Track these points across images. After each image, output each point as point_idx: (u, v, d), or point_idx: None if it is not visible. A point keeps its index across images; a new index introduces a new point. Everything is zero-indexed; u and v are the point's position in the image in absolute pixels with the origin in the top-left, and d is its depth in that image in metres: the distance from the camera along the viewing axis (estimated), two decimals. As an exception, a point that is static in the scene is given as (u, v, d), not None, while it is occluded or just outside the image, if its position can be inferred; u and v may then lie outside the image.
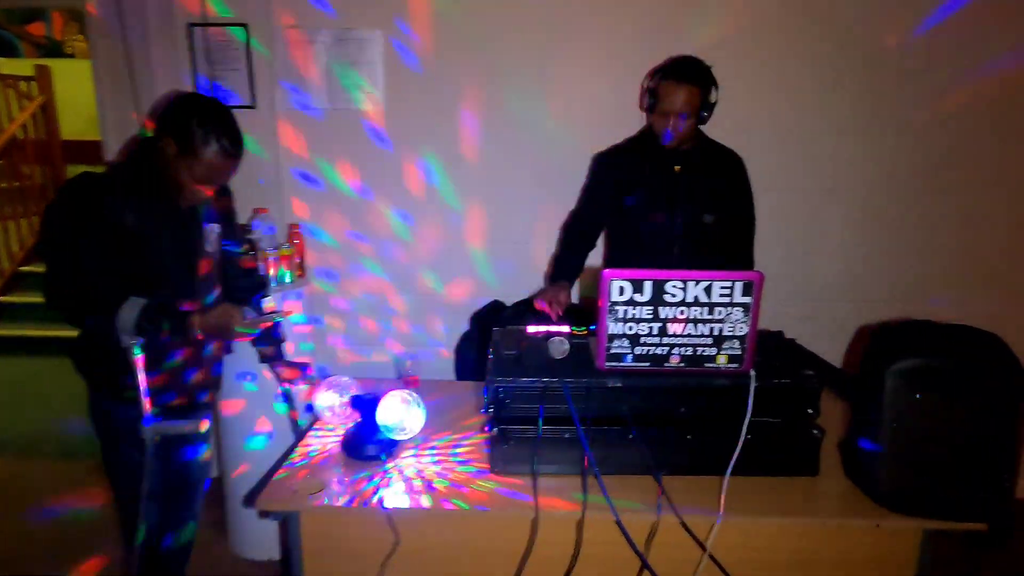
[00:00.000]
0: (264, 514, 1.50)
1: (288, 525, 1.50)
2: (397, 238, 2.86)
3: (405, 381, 2.11)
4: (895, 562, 1.47)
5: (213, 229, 1.72)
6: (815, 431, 1.48)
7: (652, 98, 2.14)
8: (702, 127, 2.21)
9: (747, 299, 1.33)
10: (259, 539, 2.50)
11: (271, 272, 2.44)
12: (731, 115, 2.70)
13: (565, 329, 1.64)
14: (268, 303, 2.18)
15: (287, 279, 2.48)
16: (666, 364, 1.38)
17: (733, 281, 1.32)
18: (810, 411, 1.46)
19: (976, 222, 2.77)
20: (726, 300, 1.33)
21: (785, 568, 1.50)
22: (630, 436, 1.45)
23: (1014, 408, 1.32)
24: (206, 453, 1.84)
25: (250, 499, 2.17)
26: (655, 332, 1.36)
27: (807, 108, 2.70)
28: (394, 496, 1.46)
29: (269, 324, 1.81)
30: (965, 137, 2.70)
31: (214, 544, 2.61)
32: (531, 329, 1.67)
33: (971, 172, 2.73)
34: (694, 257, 2.09)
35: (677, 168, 2.19)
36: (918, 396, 1.30)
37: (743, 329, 1.35)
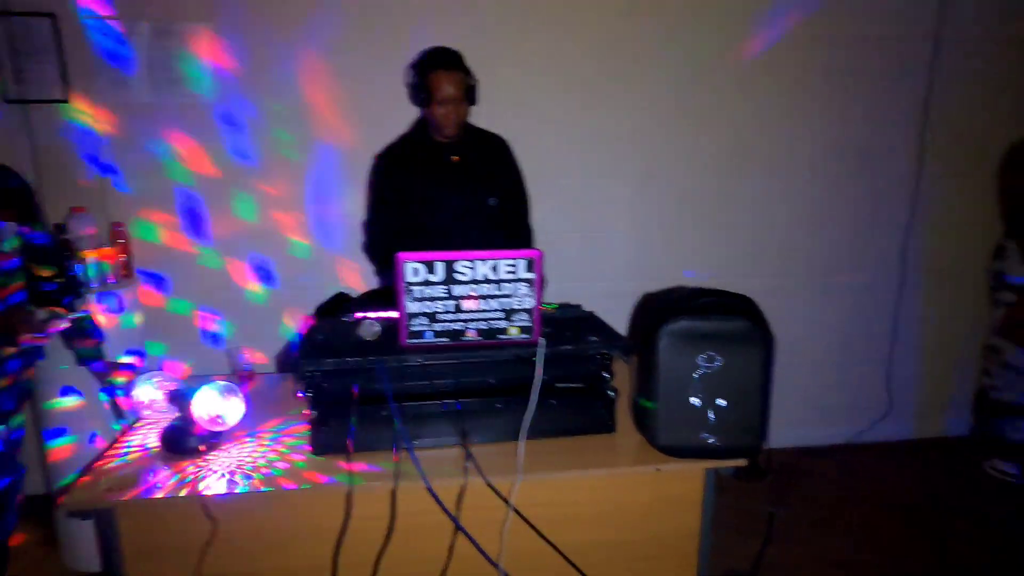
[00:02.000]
0: (73, 514, 1.47)
1: (103, 524, 1.48)
2: (234, 233, 2.81)
3: (240, 376, 2.11)
4: (688, 500, 1.66)
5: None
6: (609, 392, 1.65)
7: (424, 91, 2.21)
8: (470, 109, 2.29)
9: (531, 275, 1.47)
10: (92, 549, 2.40)
11: (90, 271, 2.34)
12: (559, 107, 2.88)
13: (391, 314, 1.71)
14: (83, 303, 2.09)
15: (107, 278, 2.39)
16: (464, 338, 1.49)
17: (517, 259, 1.45)
18: (604, 375, 1.63)
19: (763, 205, 3.11)
20: (512, 276, 1.46)
21: (592, 518, 1.66)
22: (443, 409, 1.56)
23: (765, 361, 1.54)
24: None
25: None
26: (451, 309, 1.47)
27: (617, 101, 2.92)
28: (211, 484, 1.48)
29: (62, 325, 1.76)
30: (757, 130, 3.02)
31: (45, 560, 2.48)
32: (351, 317, 1.73)
33: (760, 161, 3.06)
34: (482, 240, 2.21)
35: (455, 158, 2.31)
36: (683, 354, 1.49)
37: (530, 302, 1.48)
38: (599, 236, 3.03)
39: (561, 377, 1.59)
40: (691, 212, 3.07)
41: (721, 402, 1.53)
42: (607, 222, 3.03)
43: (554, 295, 1.97)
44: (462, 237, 2.23)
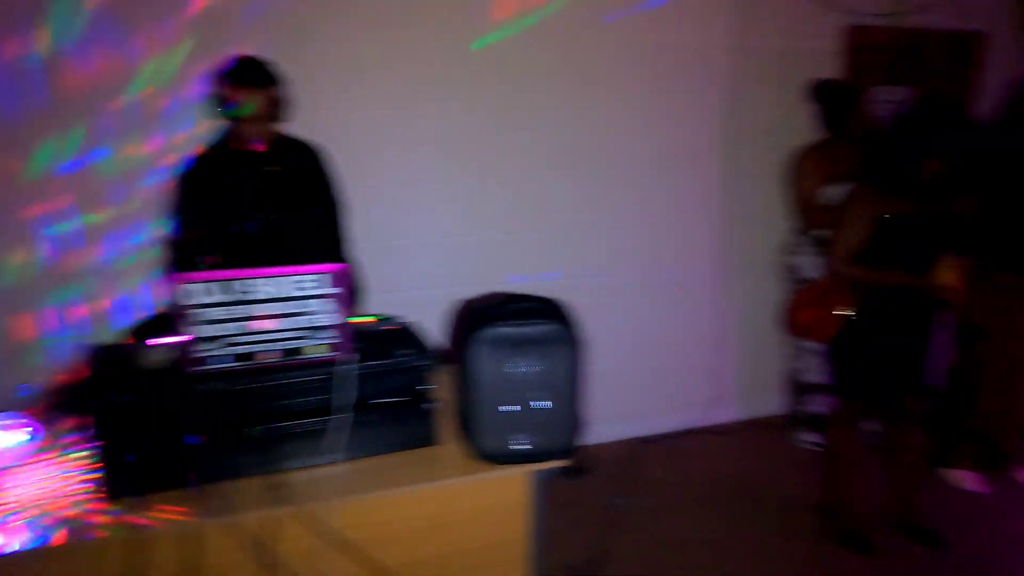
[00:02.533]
0: None
1: None
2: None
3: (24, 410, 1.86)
4: (514, 505, 1.66)
5: None
6: (426, 405, 1.62)
7: (222, 103, 2.11)
8: (280, 123, 2.23)
9: (337, 289, 1.41)
10: None
11: None
12: (376, 113, 2.81)
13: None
14: None
15: None
16: (261, 360, 1.41)
17: (321, 273, 1.38)
18: (419, 387, 1.60)
19: (587, 207, 3.24)
20: (316, 292, 1.39)
21: (426, 532, 1.62)
22: (249, 436, 1.45)
23: (575, 363, 1.58)
24: None
25: None
26: (243, 330, 1.37)
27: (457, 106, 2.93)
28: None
29: None
30: (576, 135, 3.13)
31: None
32: (144, 342, 1.58)
33: (582, 165, 3.18)
34: (296, 253, 2.13)
35: (266, 168, 2.22)
36: (495, 360, 1.49)
37: (337, 318, 1.43)
38: (422, 243, 3.00)
39: (376, 393, 1.54)
40: (517, 216, 3.12)
41: (536, 405, 1.55)
42: (429, 229, 3.01)
43: (378, 305, 1.92)
44: (276, 250, 2.12)
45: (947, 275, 2.27)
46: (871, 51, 3.45)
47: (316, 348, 1.43)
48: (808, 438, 3.38)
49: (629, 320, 3.38)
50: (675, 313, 3.48)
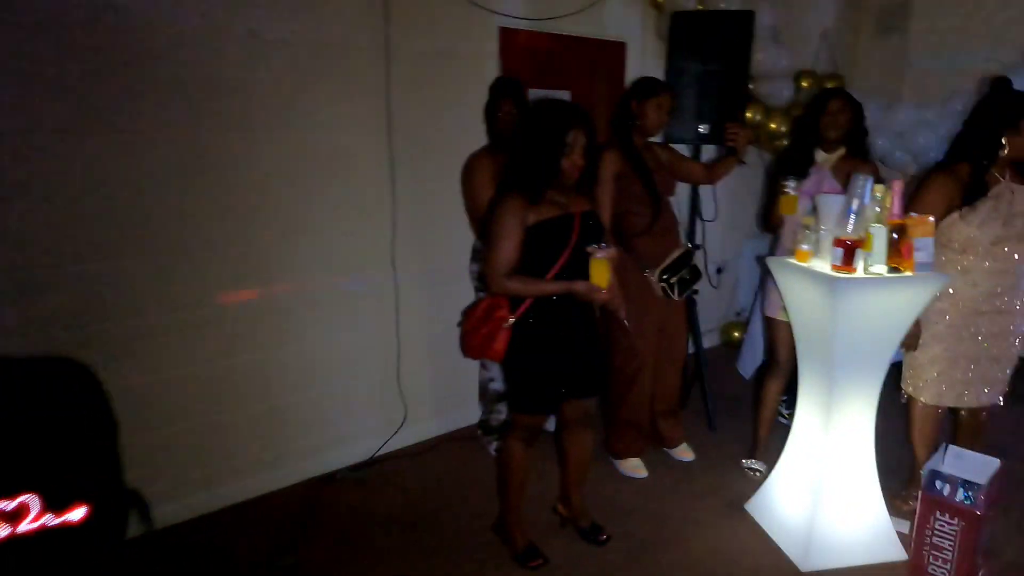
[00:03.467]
0: None
1: None
2: None
3: None
4: None
5: None
6: None
7: None
8: None
9: None
10: None
11: None
12: None
13: None
14: None
15: None
16: None
17: None
18: None
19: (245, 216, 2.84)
20: None
21: None
22: None
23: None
24: None
25: None
26: None
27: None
28: None
29: None
30: (213, 143, 2.71)
31: None
32: None
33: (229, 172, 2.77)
34: None
35: None
36: None
37: None
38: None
39: None
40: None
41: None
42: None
43: None
44: None
45: (597, 275, 2.24)
46: (523, 54, 3.49)
47: None
48: (492, 445, 3.31)
49: (293, 343, 3.01)
50: (350, 329, 3.18)
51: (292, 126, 2.84)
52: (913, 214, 2.29)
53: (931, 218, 2.26)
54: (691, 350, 3.67)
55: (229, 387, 2.86)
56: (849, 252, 2.28)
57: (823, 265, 2.37)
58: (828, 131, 2.84)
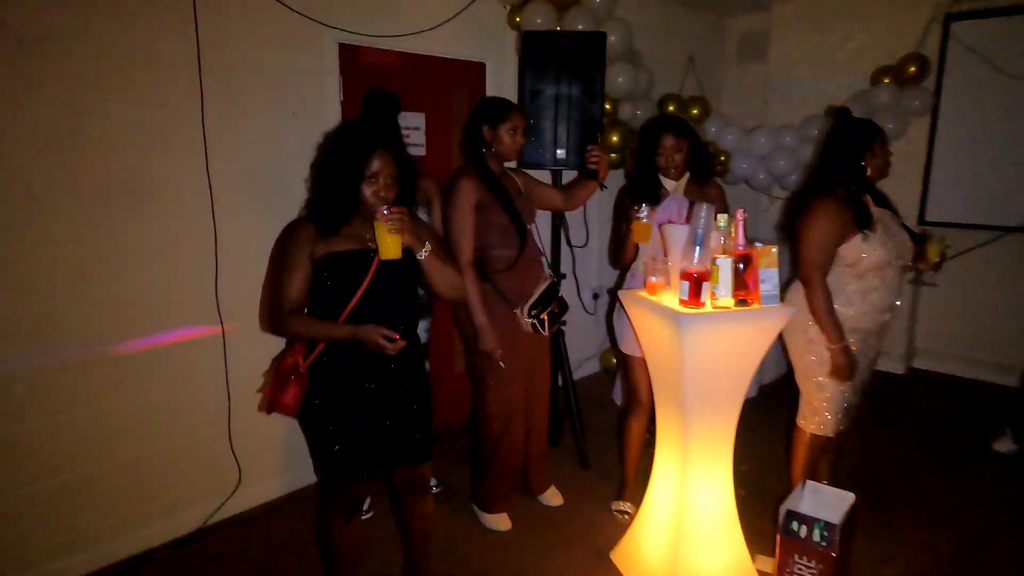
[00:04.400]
0: None
1: None
2: None
3: None
4: None
5: None
6: None
7: None
8: None
9: None
10: None
11: None
12: None
13: None
14: None
15: None
16: None
17: None
18: None
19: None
20: None
21: None
22: None
23: None
24: None
25: None
26: None
27: None
28: None
29: None
30: None
31: None
32: None
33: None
34: None
35: None
36: None
37: None
38: None
39: None
40: None
41: None
42: None
43: None
44: None
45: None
46: (369, 73, 3.23)
47: None
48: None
49: (93, 405, 2.57)
50: (170, 385, 2.77)
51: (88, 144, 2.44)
52: (759, 244, 2.20)
53: (774, 249, 2.17)
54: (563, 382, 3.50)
55: (12, 461, 2.40)
56: (696, 285, 2.15)
57: (673, 299, 2.24)
58: (668, 170, 2.74)
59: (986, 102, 4.47)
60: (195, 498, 2.88)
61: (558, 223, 3.51)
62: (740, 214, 2.17)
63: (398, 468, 2.19)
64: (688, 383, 2.20)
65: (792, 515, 2.27)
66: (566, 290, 3.86)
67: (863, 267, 2.42)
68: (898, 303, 2.56)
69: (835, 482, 2.77)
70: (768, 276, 2.17)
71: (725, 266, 2.15)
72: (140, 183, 2.59)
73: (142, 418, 2.70)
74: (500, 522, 2.91)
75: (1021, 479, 3.37)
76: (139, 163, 2.58)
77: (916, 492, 3.22)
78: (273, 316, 2.01)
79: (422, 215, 2.51)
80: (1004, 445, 3.61)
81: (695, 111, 4.66)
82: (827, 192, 2.45)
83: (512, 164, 2.95)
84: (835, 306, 2.43)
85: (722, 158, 4.73)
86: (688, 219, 2.47)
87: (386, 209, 1.90)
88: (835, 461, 2.82)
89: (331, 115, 3.08)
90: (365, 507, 2.93)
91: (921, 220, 4.71)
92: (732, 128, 4.74)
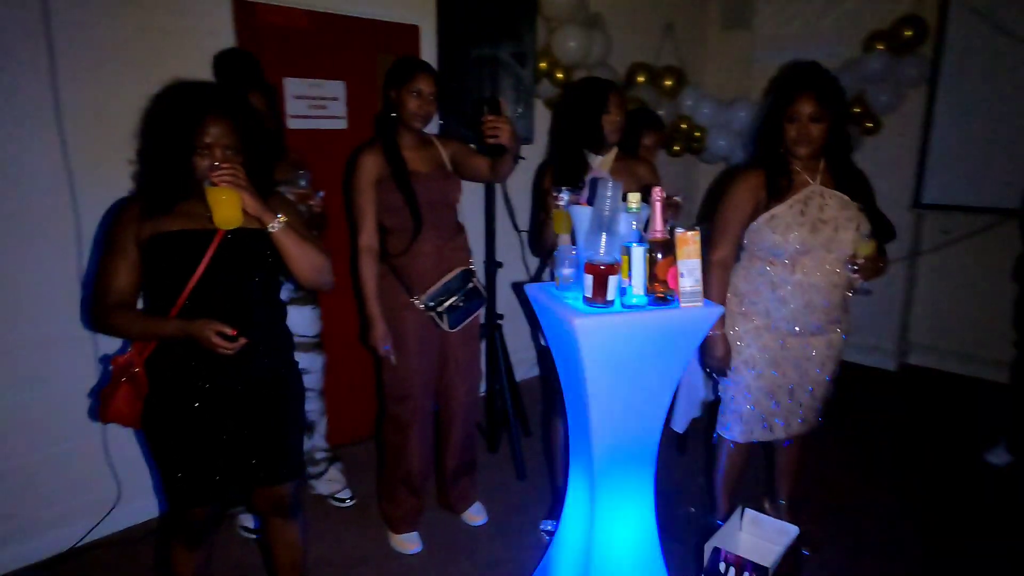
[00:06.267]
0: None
1: None
2: None
3: None
4: None
5: None
6: None
7: None
8: None
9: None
10: None
11: None
12: None
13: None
14: None
15: None
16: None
17: None
18: None
19: None
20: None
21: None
22: None
23: None
24: None
25: None
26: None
27: None
28: None
29: None
30: None
31: None
32: None
33: None
34: None
35: None
36: None
37: None
38: None
39: None
40: None
41: None
42: None
43: None
44: None
45: None
46: (271, 35, 2.85)
47: None
48: (247, 523, 2.66)
49: None
50: (30, 389, 2.42)
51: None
52: (681, 230, 1.80)
53: (694, 234, 1.78)
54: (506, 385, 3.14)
55: None
56: (600, 280, 1.77)
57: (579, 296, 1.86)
58: (611, 134, 2.35)
59: (991, 69, 4.00)
60: (68, 517, 2.55)
61: (492, 204, 3.12)
62: (658, 193, 1.79)
63: (256, 487, 1.86)
64: (592, 396, 1.82)
65: (718, 554, 1.89)
66: (509, 279, 3.48)
67: (768, 252, 2.14)
68: (840, 310, 2.18)
69: (792, 503, 2.42)
70: (688, 269, 1.78)
71: (638, 257, 1.77)
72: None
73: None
74: (406, 543, 2.57)
75: (1013, 495, 2.96)
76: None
77: (890, 509, 2.83)
78: (93, 310, 1.69)
79: (291, 196, 2.14)
80: (997, 456, 3.20)
81: (668, 82, 4.24)
82: (751, 164, 2.14)
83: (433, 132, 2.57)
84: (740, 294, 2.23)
85: (696, 134, 4.31)
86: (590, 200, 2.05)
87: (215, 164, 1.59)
88: (788, 479, 2.44)
89: (223, 82, 2.71)
90: (251, 525, 2.61)
91: (916, 202, 4.26)
92: (708, 101, 4.31)
